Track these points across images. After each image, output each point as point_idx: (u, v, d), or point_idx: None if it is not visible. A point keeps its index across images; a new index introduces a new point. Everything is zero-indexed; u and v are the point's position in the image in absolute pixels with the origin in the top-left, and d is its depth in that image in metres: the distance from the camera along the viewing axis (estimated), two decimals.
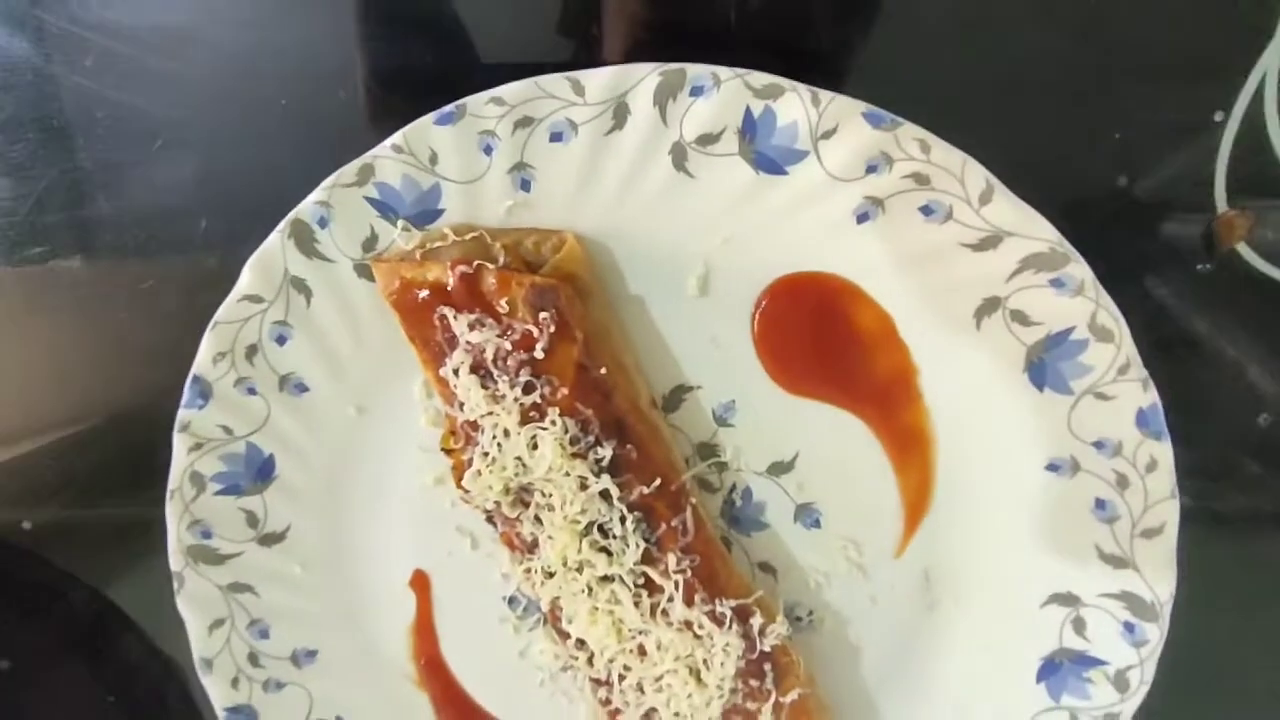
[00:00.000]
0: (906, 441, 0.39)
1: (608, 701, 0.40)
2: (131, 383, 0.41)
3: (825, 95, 0.33)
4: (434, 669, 0.43)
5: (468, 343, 0.35)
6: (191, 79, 0.38)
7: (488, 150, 0.35)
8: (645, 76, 0.33)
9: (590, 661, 0.39)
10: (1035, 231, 0.33)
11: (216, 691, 0.41)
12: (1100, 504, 0.37)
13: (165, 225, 0.40)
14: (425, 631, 0.43)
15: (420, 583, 0.42)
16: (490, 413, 0.36)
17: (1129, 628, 0.38)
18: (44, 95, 0.39)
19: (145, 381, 0.40)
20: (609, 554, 0.37)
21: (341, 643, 0.43)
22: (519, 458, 0.36)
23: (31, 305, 0.41)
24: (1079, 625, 0.39)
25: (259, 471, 0.40)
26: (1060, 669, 0.40)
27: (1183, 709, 0.40)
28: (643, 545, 0.37)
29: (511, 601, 0.42)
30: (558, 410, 0.35)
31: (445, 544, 0.42)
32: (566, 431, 0.35)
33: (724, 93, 0.33)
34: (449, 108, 0.33)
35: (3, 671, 0.46)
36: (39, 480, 0.43)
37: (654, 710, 0.39)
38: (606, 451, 0.36)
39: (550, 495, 0.36)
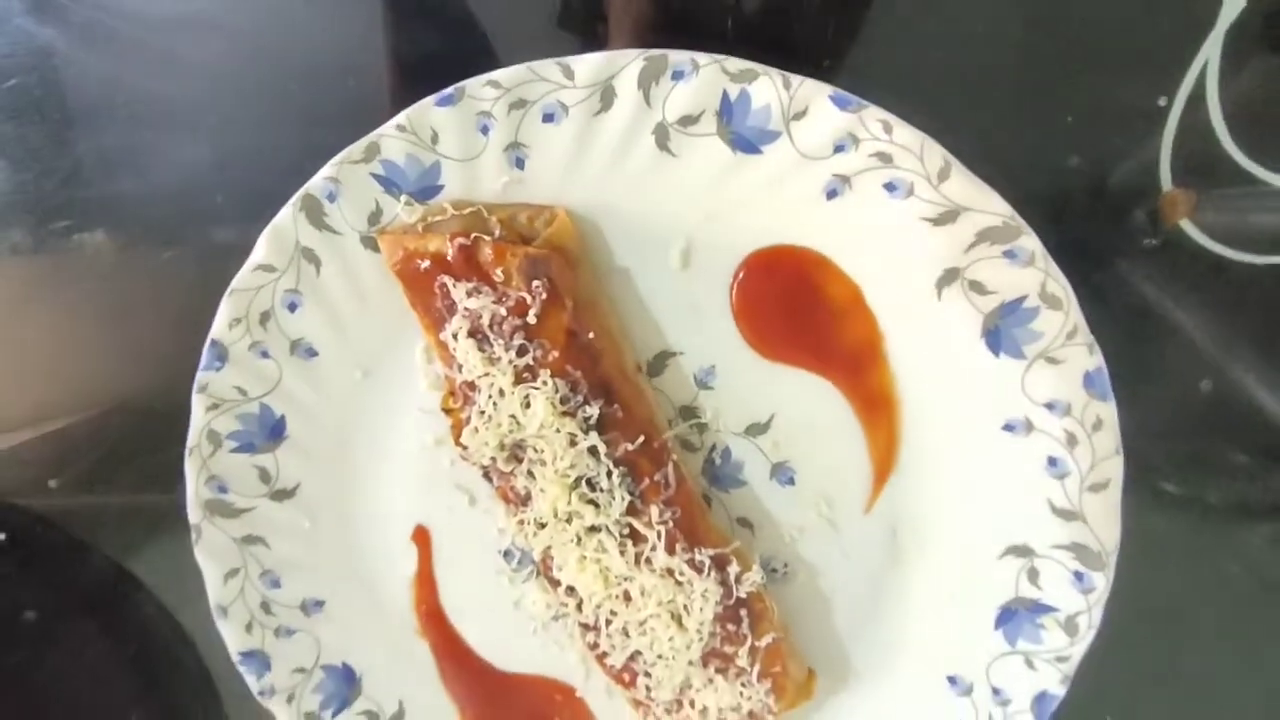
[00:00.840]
0: (874, 404, 0.42)
1: (595, 645, 0.43)
2: (152, 348, 0.44)
3: (795, 79, 0.35)
4: (434, 619, 0.46)
5: (466, 309, 0.38)
6: (209, 65, 0.41)
7: (485, 130, 0.37)
8: (630, 62, 0.36)
9: (579, 608, 0.42)
10: (990, 207, 0.36)
11: (231, 637, 0.44)
12: (1052, 461, 0.40)
13: (184, 201, 0.42)
14: (426, 583, 0.46)
15: (421, 537, 0.45)
16: (487, 374, 0.38)
17: (1078, 576, 0.41)
18: (70, 79, 0.42)
19: (165, 346, 0.43)
20: (596, 506, 0.40)
21: (347, 593, 0.46)
22: (513, 416, 0.39)
23: (58, 277, 0.44)
24: (1033, 575, 0.42)
25: (271, 431, 0.42)
26: (1016, 616, 0.43)
27: (1129, 652, 0.43)
28: (628, 498, 0.40)
29: (506, 554, 0.45)
30: (549, 372, 0.38)
31: (445, 501, 0.44)
32: (557, 391, 0.38)
33: (702, 77, 0.36)
34: (449, 90, 0.36)
35: (29, 621, 0.49)
36: (66, 443, 0.46)
37: (638, 653, 0.42)
38: (594, 410, 0.39)
39: (542, 451, 0.39)
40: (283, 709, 0.45)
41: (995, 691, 0.43)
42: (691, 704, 0.43)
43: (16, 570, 0.49)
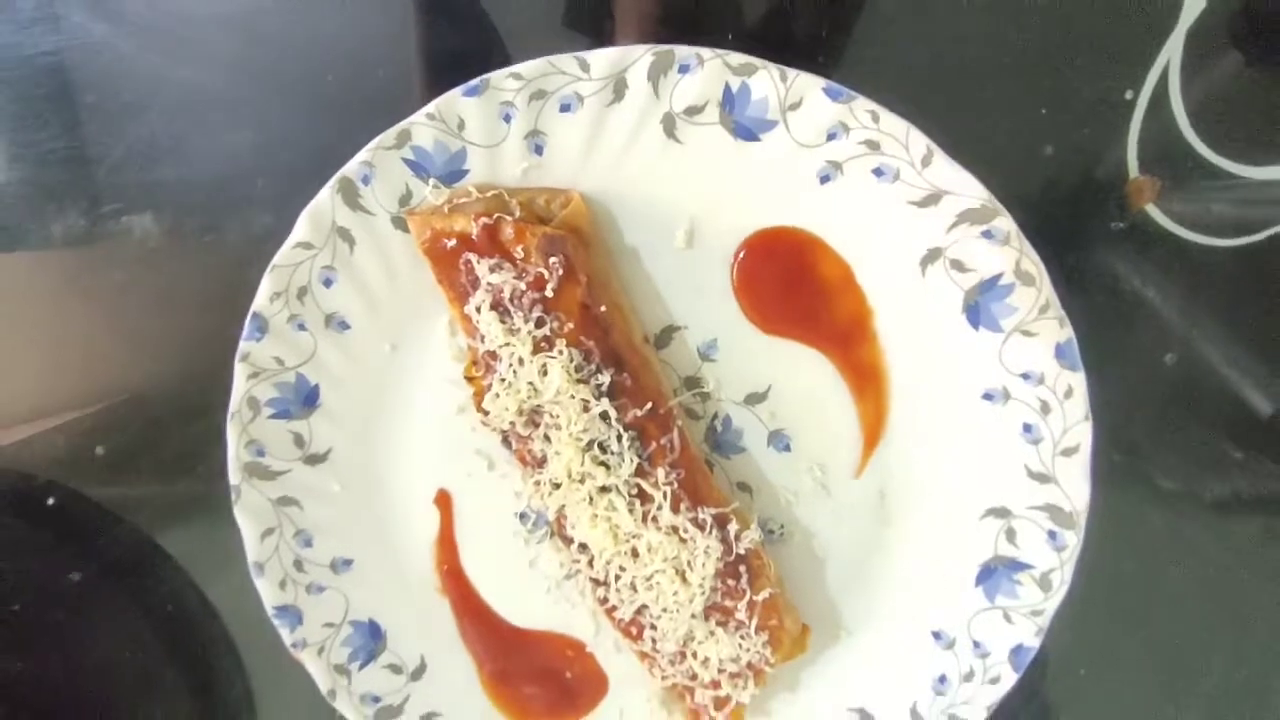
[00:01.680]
0: (864, 375, 0.45)
1: (605, 600, 0.46)
2: (195, 322, 0.47)
3: (791, 73, 0.39)
4: (454, 577, 0.50)
5: (488, 284, 0.41)
6: (250, 60, 0.44)
7: (507, 119, 0.41)
8: (640, 56, 0.39)
9: (590, 564, 0.45)
10: (969, 190, 0.40)
11: (267, 592, 0.47)
12: (1027, 428, 0.43)
13: (226, 186, 0.46)
14: (447, 544, 0.49)
15: (443, 501, 0.49)
16: (507, 344, 0.42)
17: (1052, 535, 0.44)
18: (122, 73, 0.45)
19: (208, 321, 0.46)
20: (607, 467, 0.43)
21: (374, 553, 0.49)
22: (531, 383, 0.42)
23: (109, 258, 0.47)
24: (1010, 535, 0.45)
25: (306, 399, 0.46)
26: (995, 573, 0.46)
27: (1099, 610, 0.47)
28: (636, 460, 0.43)
29: (522, 517, 0.48)
30: (564, 342, 0.41)
31: (466, 466, 0.48)
32: (572, 360, 0.42)
33: (706, 70, 0.39)
34: (475, 81, 0.39)
35: (72, 582, 0.52)
36: (113, 415, 0.49)
37: (645, 607, 0.46)
38: (606, 378, 0.42)
39: (557, 416, 0.42)
40: (313, 660, 0.48)
41: (976, 645, 0.46)
42: (694, 655, 0.46)
43: (62, 535, 0.52)
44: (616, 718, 0.51)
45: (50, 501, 0.51)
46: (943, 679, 0.47)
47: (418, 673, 0.50)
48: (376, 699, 0.49)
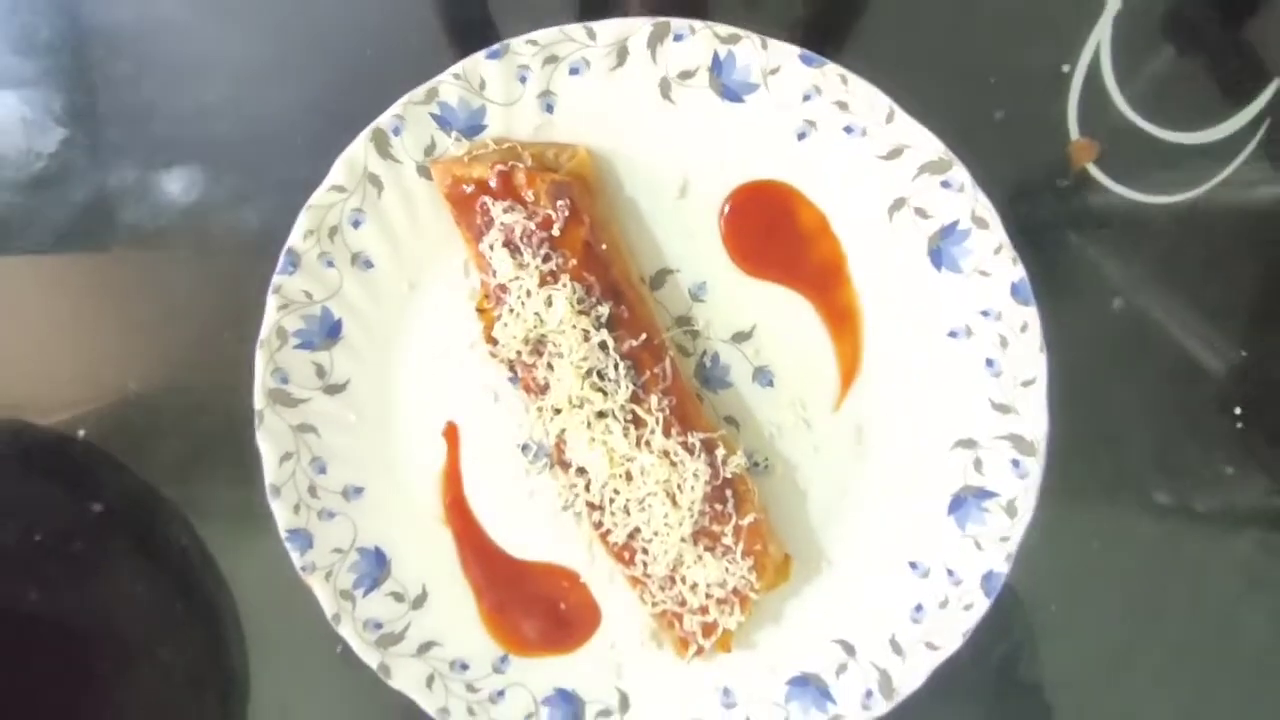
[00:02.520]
0: (840, 315, 0.49)
1: (600, 524, 0.49)
2: (232, 260, 0.52)
3: (771, 42, 0.45)
4: (458, 508, 0.53)
5: (501, 223, 0.46)
6: (296, 29, 0.51)
7: (523, 80, 0.46)
8: (640, 26, 0.45)
9: (588, 487, 0.48)
10: (927, 144, 0.45)
11: (282, 515, 0.49)
12: (989, 362, 0.48)
13: (268, 142, 0.51)
14: (453, 475, 0.52)
15: (451, 433, 0.52)
16: (517, 278, 0.46)
17: (1015, 463, 0.48)
18: (180, 43, 0.51)
19: (244, 260, 0.51)
20: (605, 394, 0.47)
21: (384, 483, 0.52)
22: (537, 313, 0.46)
23: (158, 207, 0.52)
24: (978, 464, 0.49)
25: (329, 331, 0.50)
26: (965, 503, 0.49)
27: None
28: (631, 387, 0.47)
29: (524, 449, 0.52)
30: (568, 276, 0.46)
31: (473, 399, 0.51)
32: (575, 293, 0.46)
33: (698, 39, 0.45)
34: (496, 46, 0.45)
35: (96, 513, 0.55)
36: (147, 350, 0.53)
37: (637, 530, 0.49)
38: (605, 310, 0.46)
39: (560, 345, 0.46)
40: (320, 585, 0.50)
41: (950, 573, 0.49)
42: (683, 580, 0.49)
43: (87, 466, 0.55)
44: (608, 650, 0.53)
45: (81, 434, 0.54)
46: (919, 608, 0.50)
47: (418, 601, 0.52)
48: (379, 625, 0.51)
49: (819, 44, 0.45)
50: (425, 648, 0.52)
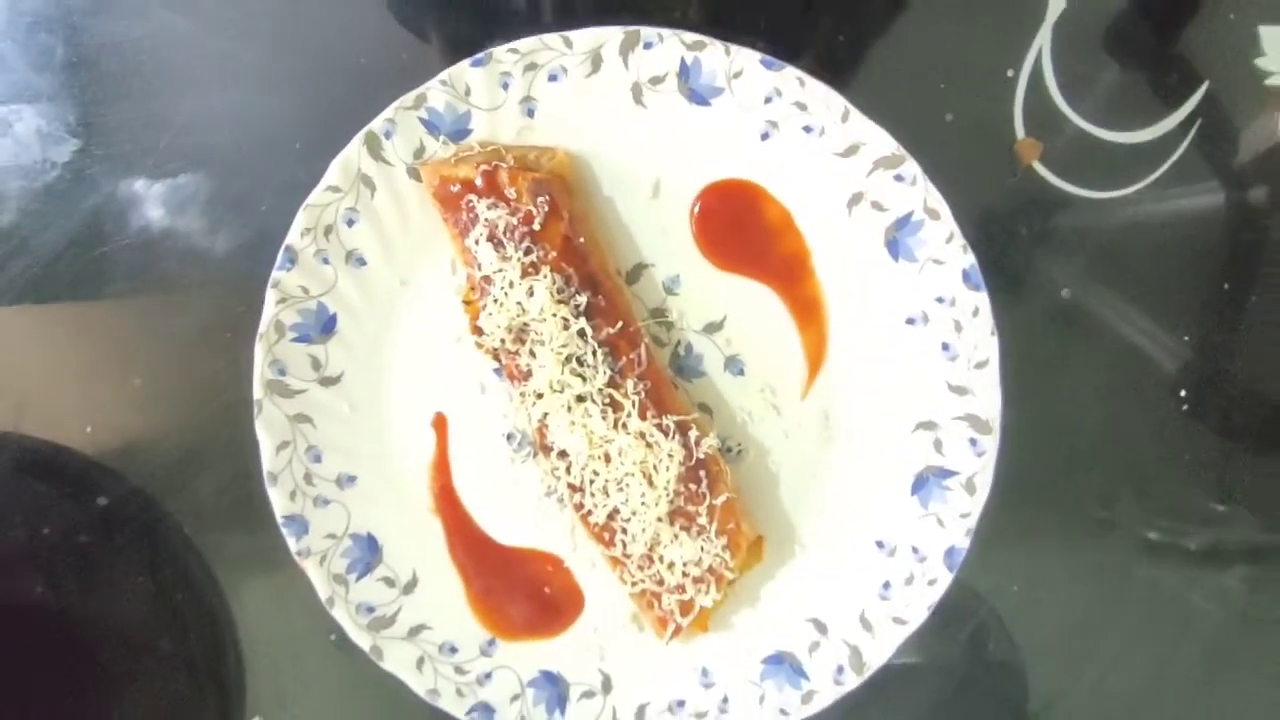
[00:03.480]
0: (806, 307, 0.52)
1: (580, 506, 0.51)
2: (233, 260, 0.55)
3: (734, 48, 0.48)
4: (446, 496, 0.55)
5: (486, 219, 0.49)
6: (295, 42, 0.54)
7: (505, 86, 0.50)
8: (613, 35, 0.49)
9: (568, 470, 0.51)
10: (881, 141, 0.48)
11: (278, 502, 0.52)
12: (945, 346, 0.50)
13: (268, 146, 0.54)
14: (441, 465, 0.55)
15: (440, 423, 0.55)
16: (500, 270, 0.49)
17: (973, 442, 0.51)
18: (185, 52, 0.54)
19: (244, 259, 0.54)
20: (583, 379, 0.49)
21: (376, 472, 0.54)
22: (520, 303, 0.49)
23: (165, 213, 0.55)
24: (938, 445, 0.51)
25: (324, 325, 0.52)
26: (927, 483, 0.52)
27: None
28: (609, 372, 0.49)
29: (509, 438, 0.54)
30: (548, 268, 0.49)
31: (461, 390, 0.54)
32: (554, 283, 0.49)
33: (666, 46, 0.49)
34: (480, 55, 0.49)
35: (101, 506, 0.57)
36: (151, 345, 0.56)
37: (616, 511, 0.51)
38: (583, 299, 0.49)
39: (541, 333, 0.49)
40: (315, 569, 0.52)
41: (914, 550, 0.52)
42: (660, 559, 0.51)
43: (95, 461, 0.57)
44: (591, 634, 0.55)
45: (88, 429, 0.57)
46: (887, 585, 0.52)
47: (409, 586, 0.54)
48: (371, 609, 0.53)
49: (780, 54, 0.48)
50: (415, 631, 0.54)
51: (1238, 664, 0.56)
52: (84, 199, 0.55)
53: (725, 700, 0.53)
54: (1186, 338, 0.53)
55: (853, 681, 0.52)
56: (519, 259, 0.49)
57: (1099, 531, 0.54)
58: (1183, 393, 0.54)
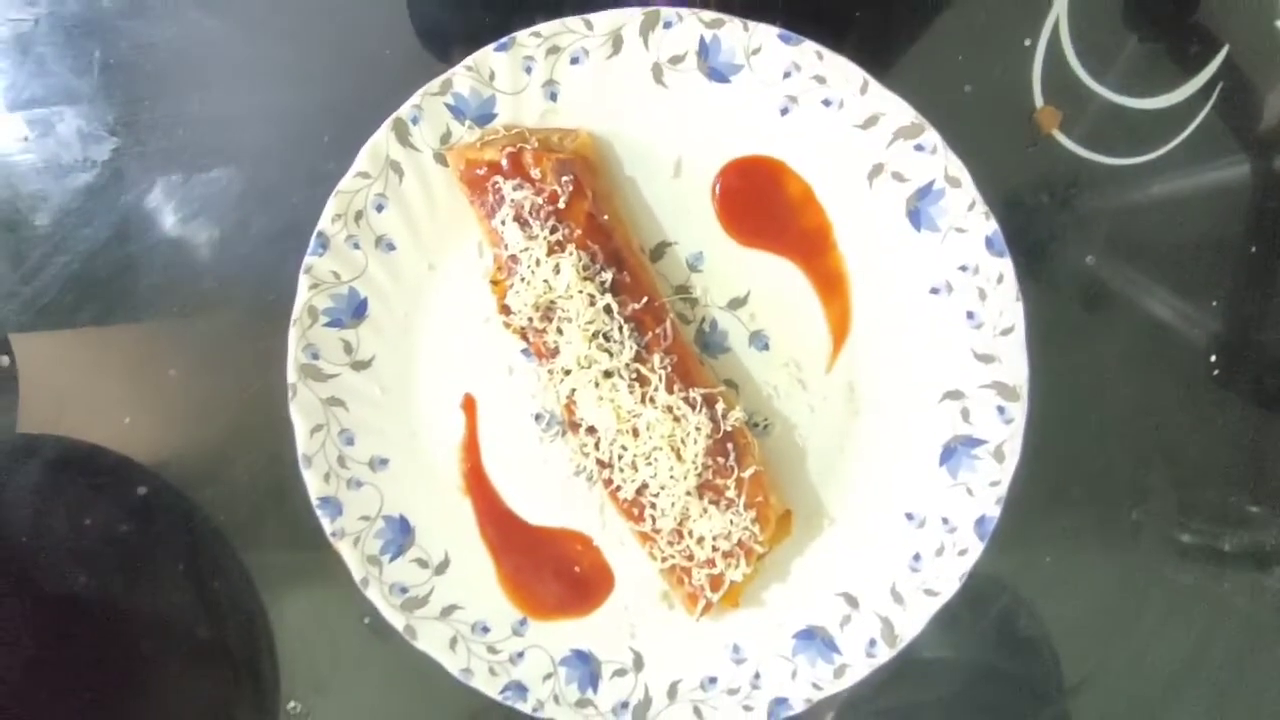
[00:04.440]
0: (829, 280, 0.53)
1: (609, 481, 0.52)
2: (265, 250, 0.56)
3: (752, 24, 0.49)
4: (476, 477, 0.56)
5: (512, 200, 0.50)
6: (325, 38, 0.56)
7: (528, 70, 0.51)
8: (633, 16, 0.50)
9: (597, 445, 0.51)
10: (900, 111, 0.49)
11: (313, 484, 0.53)
12: (970, 314, 0.51)
13: (298, 140, 0.56)
14: (471, 446, 0.56)
15: (469, 405, 0.56)
16: (527, 248, 0.50)
17: (1000, 410, 0.50)
18: (218, 52, 0.56)
19: (275, 249, 0.55)
20: (610, 354, 0.50)
21: (407, 454, 0.55)
22: (546, 280, 0.50)
23: (200, 206, 0.57)
24: (965, 414, 0.51)
25: (355, 310, 0.54)
26: (956, 452, 0.52)
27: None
28: (635, 347, 0.50)
29: (537, 418, 0.55)
30: (574, 245, 0.50)
31: (489, 372, 0.55)
32: (580, 260, 0.50)
33: (685, 25, 0.50)
34: (504, 40, 0.50)
35: (141, 496, 0.59)
36: (189, 328, 0.58)
37: (645, 486, 0.51)
38: (609, 276, 0.50)
39: (568, 310, 0.50)
40: (349, 550, 0.53)
41: (944, 521, 0.52)
42: (690, 534, 0.51)
43: (134, 451, 0.59)
44: (622, 612, 0.55)
45: (126, 420, 0.58)
46: (917, 557, 0.52)
47: (441, 567, 0.55)
48: (404, 590, 0.54)
49: (797, 30, 0.49)
50: (448, 611, 0.54)
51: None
52: (122, 195, 0.57)
53: (757, 676, 0.53)
54: (1214, 303, 0.53)
55: (885, 654, 0.51)
56: (545, 238, 0.50)
57: (1132, 500, 0.54)
58: (1212, 358, 0.53)
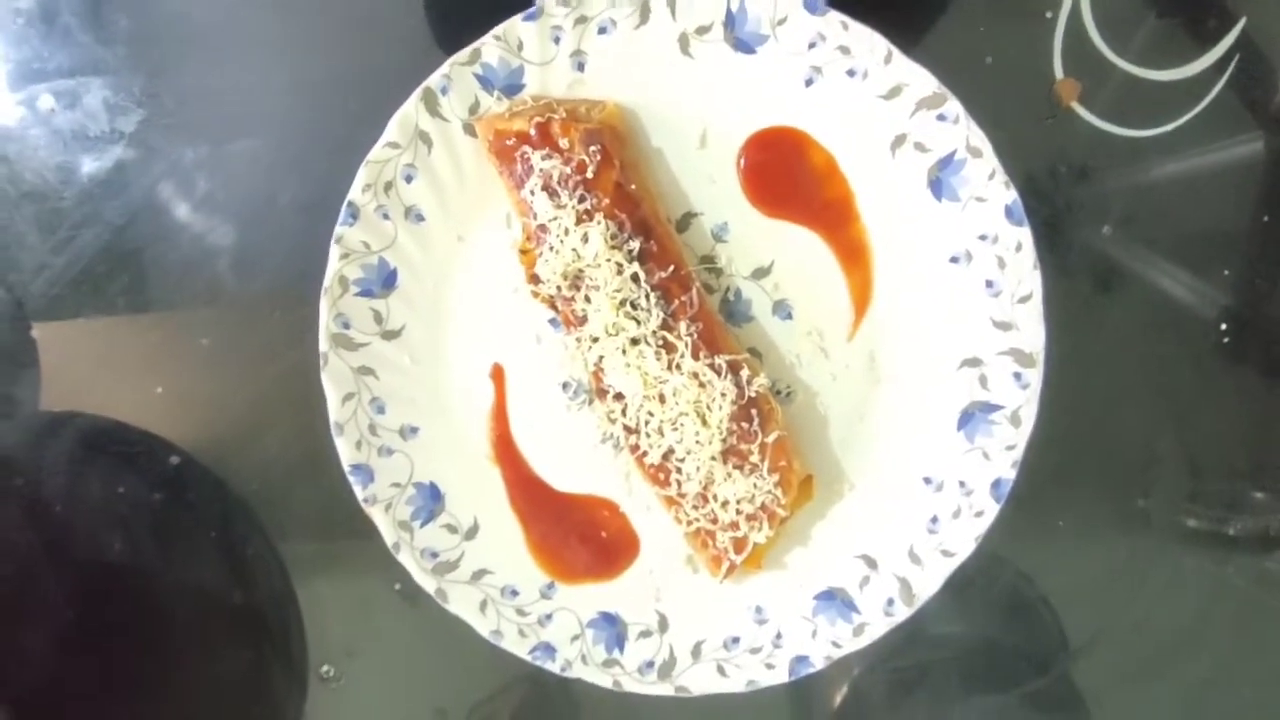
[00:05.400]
0: (851, 250, 0.54)
1: (636, 447, 0.53)
2: (293, 220, 0.57)
3: None
4: (505, 445, 0.57)
5: (540, 170, 0.51)
6: (352, 11, 0.56)
7: (556, 40, 0.51)
8: None
9: (624, 412, 0.53)
10: (923, 81, 0.50)
11: (345, 451, 0.53)
12: (989, 283, 0.52)
13: (321, 110, 0.56)
14: (500, 415, 0.57)
15: (498, 374, 0.56)
16: (555, 218, 0.51)
17: (1017, 376, 0.52)
18: (245, 24, 0.57)
19: (304, 220, 0.56)
20: (638, 322, 0.51)
21: (437, 423, 0.56)
22: (575, 249, 0.51)
23: (228, 177, 0.58)
24: (983, 380, 0.53)
25: (385, 280, 0.54)
26: (973, 418, 0.53)
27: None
28: (661, 315, 0.51)
29: (565, 386, 0.56)
30: (602, 214, 0.50)
31: (517, 341, 0.56)
32: (608, 229, 0.51)
33: None
34: (532, 9, 0.50)
35: (174, 465, 0.60)
36: (215, 304, 0.58)
37: (671, 451, 0.52)
38: (636, 245, 0.51)
39: (596, 279, 0.51)
40: (381, 516, 0.54)
41: (961, 484, 0.53)
42: (714, 497, 0.53)
43: (167, 420, 0.60)
44: (647, 575, 0.57)
45: (158, 390, 0.59)
46: (935, 519, 0.53)
47: (471, 533, 0.56)
48: (435, 554, 0.55)
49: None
50: (478, 575, 0.56)
51: None
52: (150, 167, 0.58)
53: (779, 636, 0.55)
54: (1226, 272, 0.54)
55: (903, 613, 0.53)
56: (573, 207, 0.51)
57: (1143, 466, 0.56)
58: (1223, 327, 0.55)
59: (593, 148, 0.51)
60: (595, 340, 0.52)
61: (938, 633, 0.59)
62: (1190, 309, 0.55)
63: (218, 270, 0.58)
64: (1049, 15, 0.52)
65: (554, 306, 0.53)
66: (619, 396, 0.52)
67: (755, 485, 0.52)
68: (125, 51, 0.57)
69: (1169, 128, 0.53)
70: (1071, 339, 0.52)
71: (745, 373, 0.52)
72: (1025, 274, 0.51)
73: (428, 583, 0.54)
